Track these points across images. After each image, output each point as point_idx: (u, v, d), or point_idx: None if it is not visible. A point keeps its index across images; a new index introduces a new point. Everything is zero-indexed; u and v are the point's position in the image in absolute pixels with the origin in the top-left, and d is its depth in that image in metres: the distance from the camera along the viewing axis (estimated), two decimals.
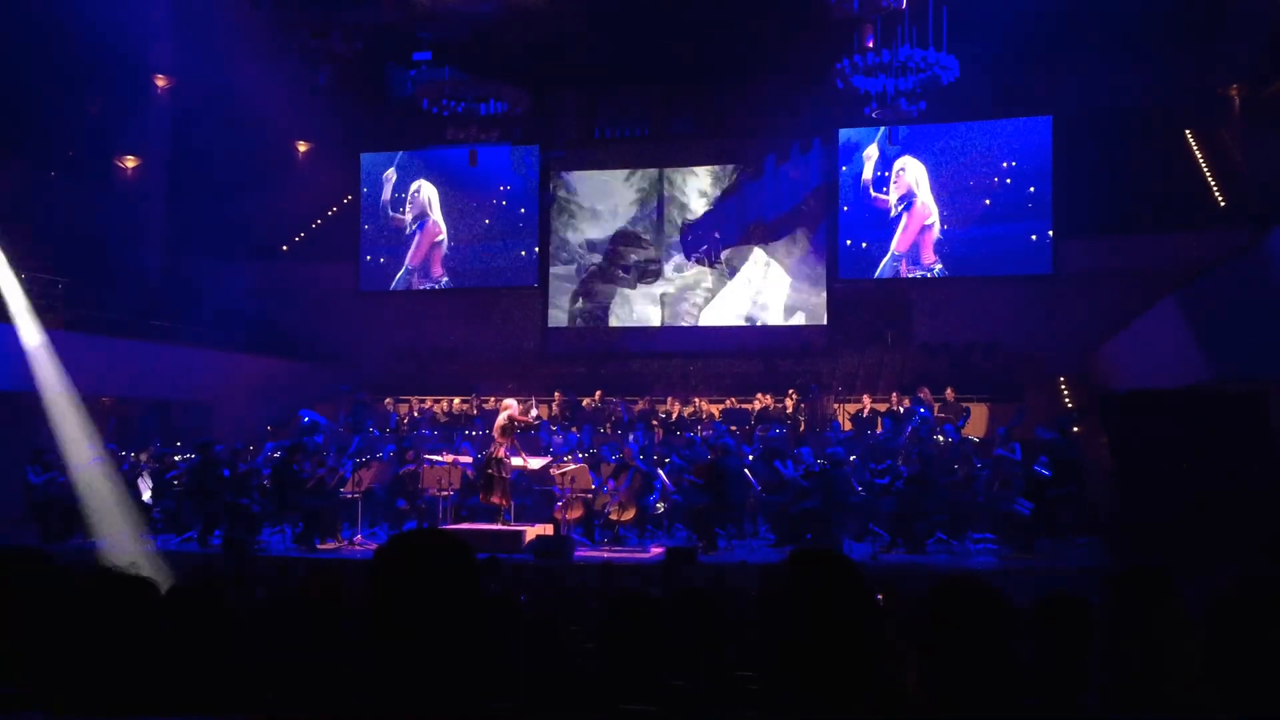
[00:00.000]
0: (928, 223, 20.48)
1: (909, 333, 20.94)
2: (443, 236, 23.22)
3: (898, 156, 20.64)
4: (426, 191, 23.33)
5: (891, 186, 20.74)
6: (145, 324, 18.24)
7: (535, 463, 13.99)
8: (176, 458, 15.25)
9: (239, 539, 12.35)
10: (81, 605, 2.38)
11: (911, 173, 20.62)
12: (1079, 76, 18.53)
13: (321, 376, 20.30)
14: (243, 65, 19.38)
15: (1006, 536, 12.37)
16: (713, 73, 21.66)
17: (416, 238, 23.25)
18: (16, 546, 2.67)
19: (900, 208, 20.68)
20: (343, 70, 22.18)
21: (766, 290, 21.65)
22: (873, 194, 20.88)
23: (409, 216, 23.34)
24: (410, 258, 23.25)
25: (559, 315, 22.86)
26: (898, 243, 20.67)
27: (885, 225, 20.85)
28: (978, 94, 18.52)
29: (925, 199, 20.56)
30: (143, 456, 15.05)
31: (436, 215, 23.27)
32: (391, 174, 23.59)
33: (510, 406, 13.65)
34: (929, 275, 20.56)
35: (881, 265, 20.80)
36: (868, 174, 21.02)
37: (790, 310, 21.58)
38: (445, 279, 23.23)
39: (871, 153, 20.92)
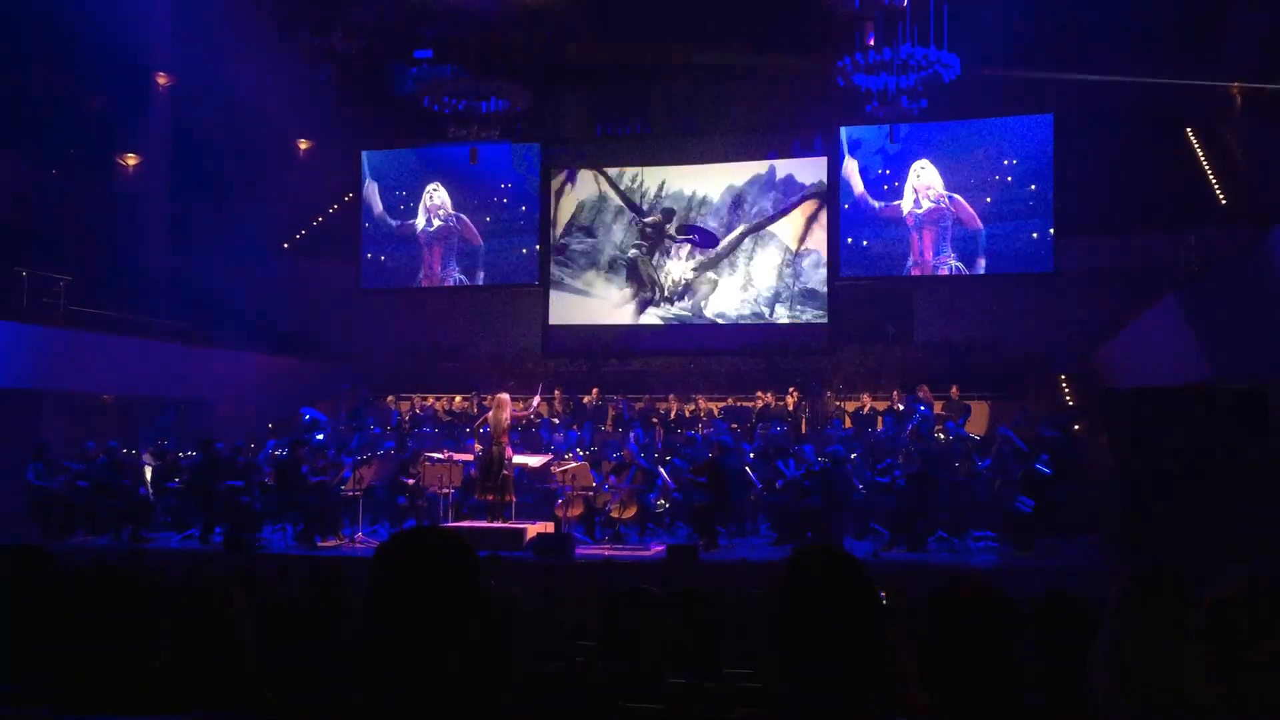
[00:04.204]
0: (946, 223, 20.38)
1: (910, 330, 20.91)
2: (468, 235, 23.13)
3: (900, 155, 20.59)
4: (440, 195, 23.16)
5: (908, 189, 20.60)
6: (146, 322, 18.24)
7: (536, 460, 13.97)
8: (180, 454, 15.26)
9: (240, 537, 12.38)
10: (83, 603, 2.38)
11: (928, 175, 20.47)
12: (1080, 74, 18.51)
13: (322, 374, 20.31)
14: (244, 63, 19.42)
15: (1007, 534, 12.37)
16: (714, 70, 21.65)
17: (444, 237, 23.08)
18: (18, 544, 2.67)
19: (919, 209, 20.52)
20: (344, 68, 22.28)
21: (767, 288, 21.61)
22: (871, 202, 20.80)
23: (420, 221, 23.17)
24: (433, 262, 23.12)
25: (560, 313, 22.81)
26: (915, 245, 20.56)
27: (886, 224, 20.80)
28: (979, 92, 18.50)
29: (943, 197, 20.42)
30: (145, 454, 15.05)
31: (452, 211, 23.09)
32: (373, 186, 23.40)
33: (506, 402, 13.48)
34: (951, 272, 20.40)
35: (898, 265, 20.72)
36: (871, 171, 20.99)
37: (791, 308, 21.56)
38: (460, 278, 23.12)
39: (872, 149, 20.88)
